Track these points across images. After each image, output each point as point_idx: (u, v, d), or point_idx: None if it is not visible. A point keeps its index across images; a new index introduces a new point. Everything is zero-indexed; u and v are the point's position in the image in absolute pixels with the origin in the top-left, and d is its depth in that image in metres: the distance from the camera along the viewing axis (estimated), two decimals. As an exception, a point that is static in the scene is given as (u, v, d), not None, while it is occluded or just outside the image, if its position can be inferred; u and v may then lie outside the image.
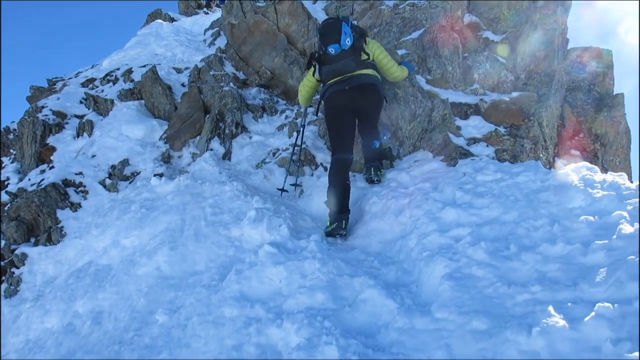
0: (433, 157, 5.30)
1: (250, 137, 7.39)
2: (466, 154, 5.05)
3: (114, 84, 9.82)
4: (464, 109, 5.76)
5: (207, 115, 7.66)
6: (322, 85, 5.16)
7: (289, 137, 6.93)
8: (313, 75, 5.25)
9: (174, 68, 9.68)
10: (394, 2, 7.70)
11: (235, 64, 8.93)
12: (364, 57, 4.86)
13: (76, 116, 8.48)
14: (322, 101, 5.10)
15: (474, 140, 5.29)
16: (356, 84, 4.76)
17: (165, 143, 7.76)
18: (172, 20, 14.98)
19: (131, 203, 5.97)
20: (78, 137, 8.00)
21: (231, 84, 8.32)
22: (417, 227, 3.97)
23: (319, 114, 6.25)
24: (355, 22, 5.51)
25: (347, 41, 4.75)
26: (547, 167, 5.20)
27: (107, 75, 10.11)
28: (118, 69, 10.23)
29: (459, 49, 6.30)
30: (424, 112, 5.63)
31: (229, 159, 7.20)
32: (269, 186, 6.14)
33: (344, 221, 4.55)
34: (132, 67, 10.01)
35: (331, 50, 4.76)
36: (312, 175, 6.10)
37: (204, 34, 11.56)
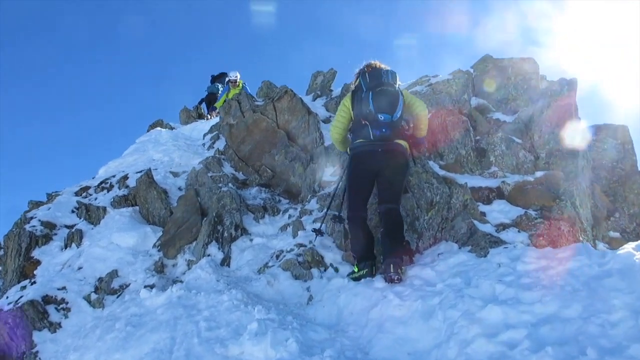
0: (459, 248, 4.67)
1: (251, 240, 6.77)
2: (497, 242, 4.41)
3: (108, 191, 9.40)
4: (485, 193, 5.22)
5: (204, 219, 7.12)
6: (351, 132, 5.13)
7: (294, 237, 6.32)
8: (352, 109, 5.09)
9: (170, 172, 9.31)
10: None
11: (234, 164, 8.58)
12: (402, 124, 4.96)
13: (66, 226, 7.94)
14: (349, 156, 5.07)
15: (502, 227, 4.69)
16: (389, 148, 4.76)
17: (159, 251, 7.12)
18: (172, 129, 15.04)
19: (116, 320, 5.21)
20: (66, 248, 7.39)
21: (230, 184, 7.88)
22: (455, 333, 3.23)
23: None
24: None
25: (398, 114, 4.84)
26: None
27: (101, 182, 9.73)
28: (114, 176, 9.87)
29: (470, 132, 5.92)
30: (442, 199, 5.09)
31: (228, 265, 6.52)
32: (273, 293, 5.41)
33: (373, 267, 4.72)
34: (128, 174, 9.66)
35: (381, 117, 4.75)
36: (321, 277, 5.40)
37: (203, 138, 11.41)
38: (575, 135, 5.47)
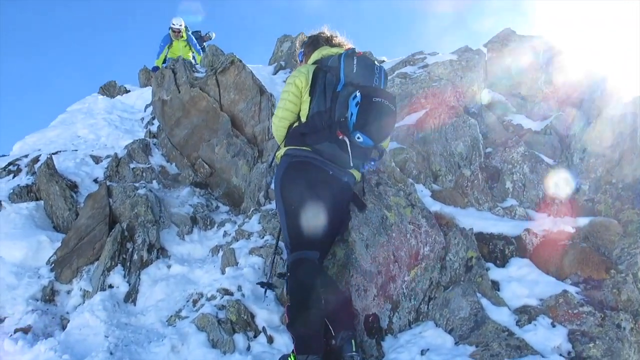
0: (455, 342, 2.90)
1: (169, 267, 4.94)
2: (520, 349, 2.65)
3: (15, 176, 7.40)
4: (499, 245, 3.43)
5: (112, 231, 5.25)
6: (297, 127, 3.41)
7: (222, 273, 4.50)
8: (308, 94, 3.36)
9: (91, 156, 7.33)
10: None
11: (166, 152, 6.65)
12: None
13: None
14: (284, 168, 3.34)
15: (527, 314, 2.91)
16: (339, 176, 3.32)
17: (52, 270, 5.26)
18: (126, 92, 12.93)
19: None
20: None
21: (154, 182, 5.98)
22: None
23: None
24: None
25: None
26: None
27: (9, 164, 7.70)
28: (26, 156, 7.84)
29: (479, 141, 4.08)
30: (432, 252, 3.30)
31: (134, 302, 4.70)
32: (177, 366, 3.65)
33: None
34: (41, 155, 7.65)
35: (359, 139, 3.10)
36: (247, 351, 3.64)
37: (145, 110, 9.37)
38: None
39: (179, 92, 6.41)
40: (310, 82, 3.38)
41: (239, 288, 4.10)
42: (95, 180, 6.74)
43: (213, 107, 6.06)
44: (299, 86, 3.42)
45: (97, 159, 7.34)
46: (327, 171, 3.28)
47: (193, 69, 6.78)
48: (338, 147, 3.18)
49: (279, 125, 3.49)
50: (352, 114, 3.12)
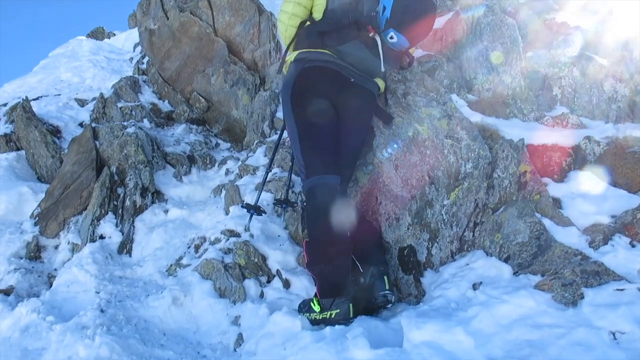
0: (514, 273, 2.41)
1: (166, 212, 4.46)
2: (598, 275, 2.15)
3: (-7, 125, 6.84)
4: (554, 157, 2.88)
5: (100, 176, 4.73)
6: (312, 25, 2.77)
7: (227, 214, 4.00)
8: None
9: (76, 99, 6.72)
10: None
11: (158, 89, 6.02)
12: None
13: None
14: (294, 76, 2.75)
15: (600, 234, 2.39)
16: (362, 85, 2.76)
17: (36, 224, 4.77)
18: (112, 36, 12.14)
19: None
20: None
21: (145, 120, 5.40)
22: None
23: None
24: None
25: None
26: None
27: (-13, 113, 7.12)
28: (5, 104, 7.24)
29: (519, 43, 3.45)
30: (476, 169, 2.76)
31: (129, 253, 4.24)
32: (182, 320, 3.18)
33: (350, 306, 2.50)
34: (20, 102, 7.03)
35: (393, 39, 2.50)
36: (260, 299, 3.18)
37: (134, 50, 8.66)
38: None
39: (167, 18, 5.71)
40: None
41: (246, 228, 3.62)
42: (81, 125, 6.16)
43: (206, 32, 5.38)
44: None
45: (82, 102, 6.75)
46: (348, 78, 2.69)
47: (181, -9, 6.05)
48: (366, 48, 2.57)
49: (288, 25, 2.84)
50: (384, 8, 2.48)
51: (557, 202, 2.62)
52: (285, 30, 2.86)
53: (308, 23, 2.81)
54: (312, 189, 2.68)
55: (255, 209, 3.41)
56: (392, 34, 2.47)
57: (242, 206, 3.60)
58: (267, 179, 3.76)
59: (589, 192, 2.65)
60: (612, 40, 3.47)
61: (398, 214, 2.87)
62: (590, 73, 3.34)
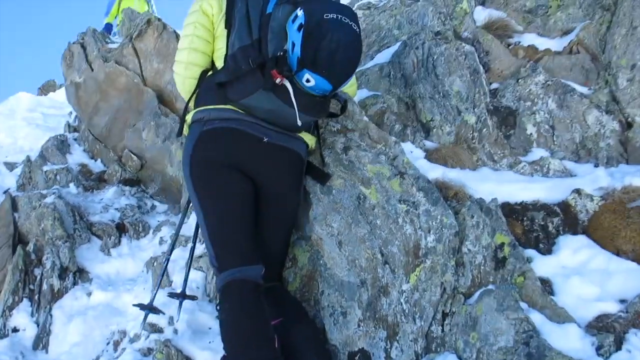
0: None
1: (89, 295, 3.74)
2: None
3: None
4: (537, 219, 2.26)
5: (13, 257, 4.02)
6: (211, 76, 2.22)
7: (154, 298, 3.29)
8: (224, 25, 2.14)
9: (5, 163, 6.03)
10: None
11: (89, 147, 5.35)
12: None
13: None
14: (193, 143, 2.15)
15: (610, 332, 1.75)
16: (280, 144, 2.15)
17: (-60, 316, 4.01)
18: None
19: None
20: None
21: (71, 185, 4.71)
22: None
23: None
24: None
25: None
26: None
27: None
28: None
29: (481, 75, 2.88)
30: (440, 243, 2.13)
31: (45, 349, 3.52)
32: None
33: None
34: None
35: (309, 82, 1.90)
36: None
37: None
38: None
39: (92, 70, 5.08)
40: (225, 7, 2.14)
41: (171, 320, 2.92)
42: (6, 192, 5.45)
43: (134, 82, 4.76)
44: (208, 13, 2.17)
45: (11, 166, 6.03)
46: (260, 138, 2.07)
47: (106, 39, 5.45)
48: (277, 97, 1.95)
49: (185, 76, 2.23)
50: (294, 44, 1.87)
51: (547, 284, 1.98)
52: (182, 84, 2.25)
53: (210, 73, 2.21)
54: (226, 286, 2.03)
55: (182, 296, 2.76)
56: (307, 75, 1.86)
57: (167, 295, 2.93)
58: (198, 254, 3.10)
59: (587, 267, 2.02)
60: (590, 62, 2.91)
61: (345, 307, 2.21)
62: (570, 104, 2.76)
